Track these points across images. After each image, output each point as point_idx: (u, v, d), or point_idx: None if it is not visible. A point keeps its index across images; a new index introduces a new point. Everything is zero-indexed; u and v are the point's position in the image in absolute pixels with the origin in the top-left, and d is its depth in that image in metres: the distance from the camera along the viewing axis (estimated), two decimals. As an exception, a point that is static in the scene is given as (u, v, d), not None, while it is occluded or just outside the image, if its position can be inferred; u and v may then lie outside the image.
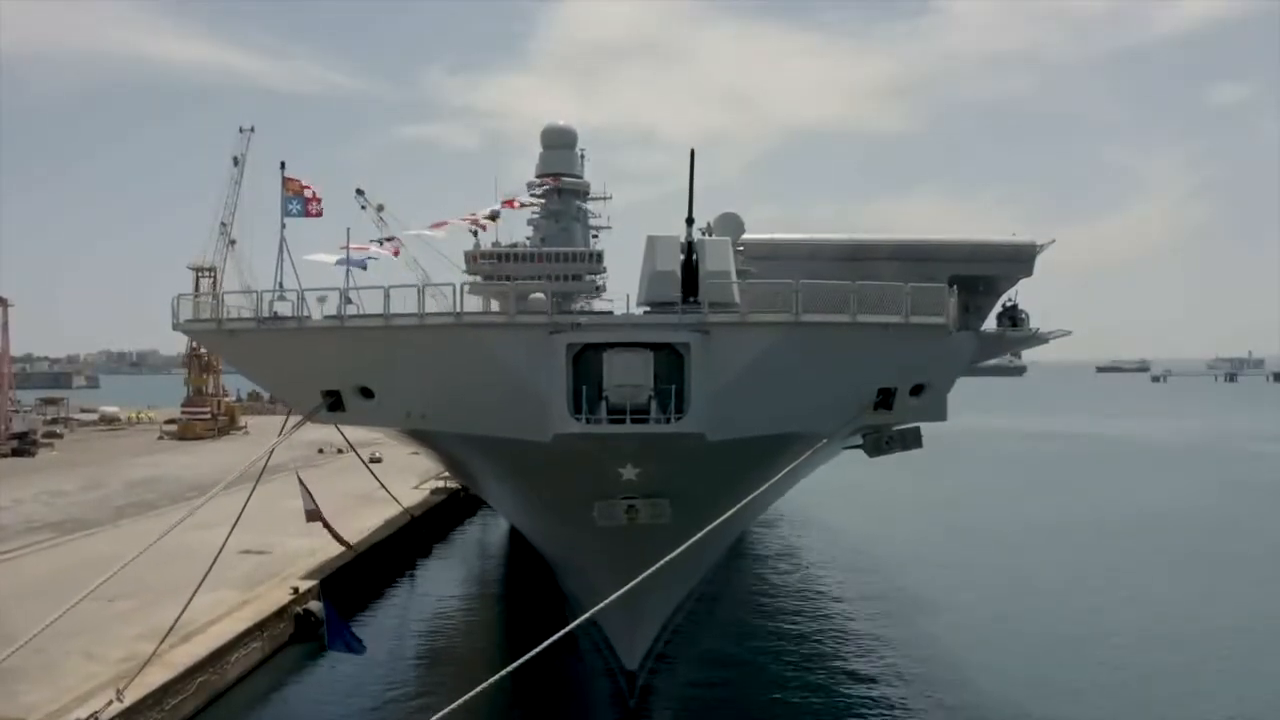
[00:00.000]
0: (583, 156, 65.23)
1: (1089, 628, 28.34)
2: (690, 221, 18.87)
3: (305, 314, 18.89)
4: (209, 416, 78.97)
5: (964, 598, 32.35)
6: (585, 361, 17.43)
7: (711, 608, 29.18)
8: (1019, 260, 23.11)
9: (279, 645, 25.41)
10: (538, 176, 60.16)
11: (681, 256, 18.58)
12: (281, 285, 20.47)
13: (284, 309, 19.16)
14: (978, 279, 23.12)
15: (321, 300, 19.75)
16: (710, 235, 19.76)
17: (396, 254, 22.66)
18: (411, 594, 33.99)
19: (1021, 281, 24.52)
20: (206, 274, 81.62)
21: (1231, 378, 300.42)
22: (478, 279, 57.97)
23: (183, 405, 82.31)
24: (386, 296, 18.15)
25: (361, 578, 31.78)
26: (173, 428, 78.48)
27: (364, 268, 21.39)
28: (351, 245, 21.45)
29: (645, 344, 17.17)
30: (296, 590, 27.15)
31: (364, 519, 38.29)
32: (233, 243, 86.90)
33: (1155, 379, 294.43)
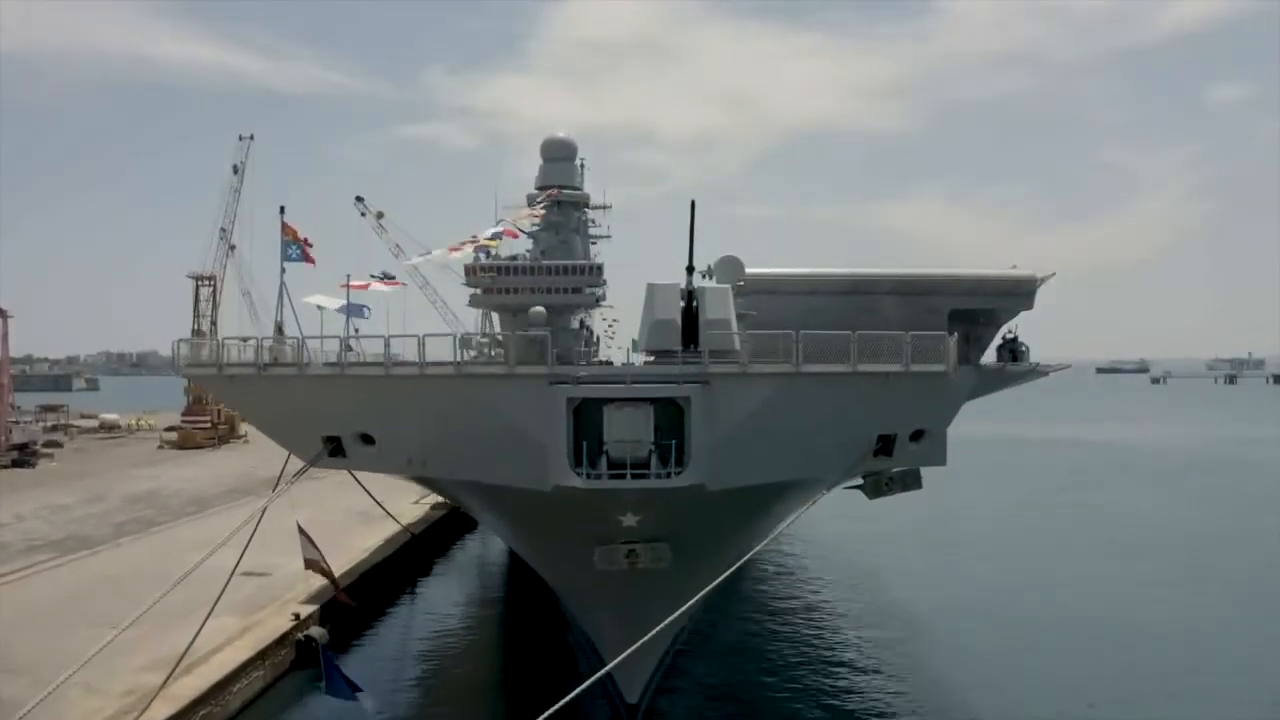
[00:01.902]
0: (582, 166, 65.25)
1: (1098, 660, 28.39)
2: (690, 270, 18.93)
3: (306, 360, 18.91)
4: (209, 425, 79.02)
5: (964, 619, 32.37)
6: (586, 413, 17.47)
7: (711, 631, 29.25)
8: (1019, 294, 23.15)
9: (280, 673, 25.42)
10: (538, 188, 60.29)
11: (682, 304, 18.62)
12: (282, 330, 20.48)
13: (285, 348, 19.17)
14: (978, 312, 23.21)
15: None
16: (710, 278, 19.82)
17: (399, 285, 22.65)
18: (412, 617, 33.97)
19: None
20: (206, 283, 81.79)
21: (1231, 379, 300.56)
22: (477, 291, 58.16)
23: (183, 414, 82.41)
24: (386, 345, 18.18)
25: (362, 602, 31.76)
26: (173, 436, 78.51)
27: (364, 316, 21.40)
28: (352, 283, 21.51)
29: (646, 398, 17.14)
30: (298, 616, 27.14)
31: (364, 538, 38.35)
32: (232, 248, 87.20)
33: (1155, 380, 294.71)
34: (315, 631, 26.99)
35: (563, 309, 58.30)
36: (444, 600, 36.07)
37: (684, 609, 15.29)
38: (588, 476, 17.10)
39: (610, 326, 77.99)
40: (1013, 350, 24.53)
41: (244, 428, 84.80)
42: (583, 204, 63.40)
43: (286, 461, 21.39)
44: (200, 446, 75.43)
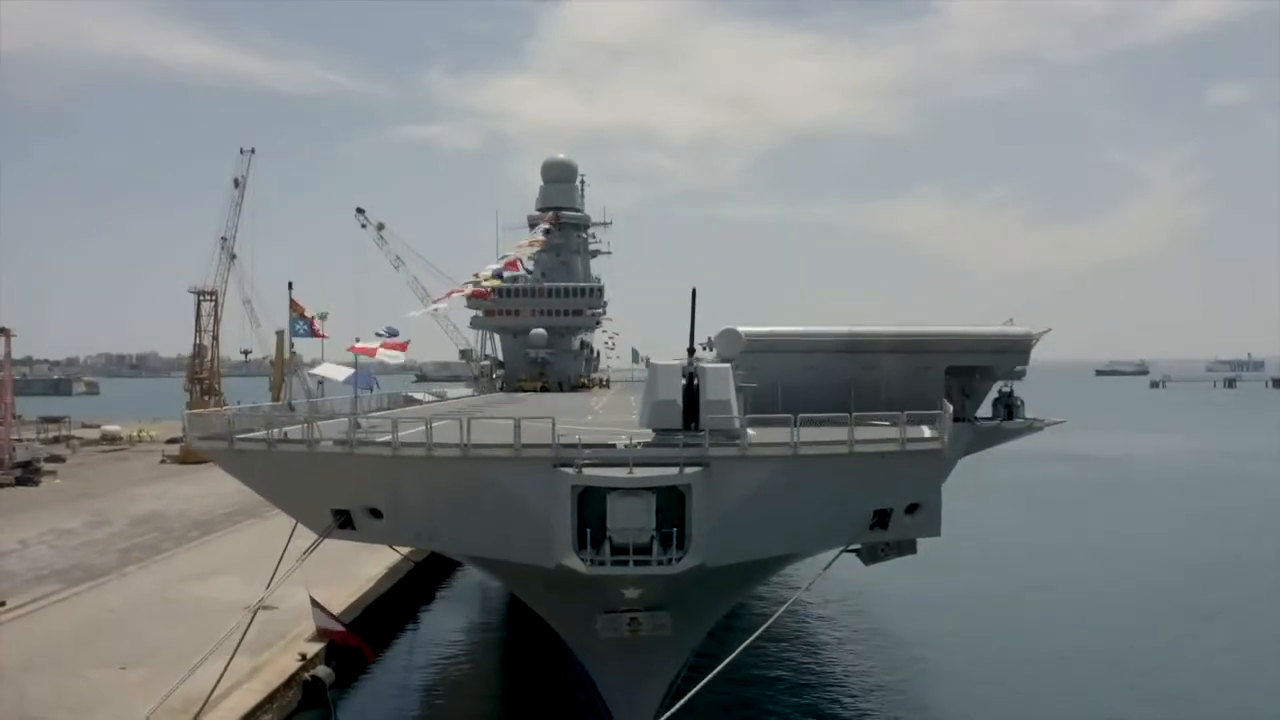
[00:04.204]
0: (583, 183, 66.03)
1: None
2: (691, 351, 19.54)
3: (316, 436, 19.42)
4: (211, 439, 79.24)
5: (967, 642, 32.70)
6: (588, 495, 18.00)
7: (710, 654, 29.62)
8: (1015, 351, 23.75)
9: (287, 715, 25.72)
10: (538, 209, 61.08)
11: (683, 382, 19.17)
12: (291, 405, 20.91)
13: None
14: (974, 368, 23.80)
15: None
16: (711, 350, 20.45)
17: (404, 348, 23.11)
18: (415, 648, 34.38)
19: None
20: (207, 297, 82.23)
21: (1231, 383, 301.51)
22: (479, 313, 58.81)
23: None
24: (395, 425, 18.69)
25: (367, 634, 32.10)
26: (174, 450, 78.75)
27: (370, 390, 21.84)
28: (359, 347, 21.93)
29: (648, 487, 17.67)
30: (304, 656, 27.42)
31: (366, 567, 38.66)
32: (233, 257, 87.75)
33: (1154, 384, 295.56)
34: (322, 671, 27.26)
35: (564, 330, 59.08)
36: (446, 631, 36.49)
37: (696, 690, 15.78)
38: (591, 562, 17.66)
39: (610, 340, 78.47)
40: (1008, 406, 25.09)
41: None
42: (583, 225, 64.19)
43: (293, 532, 21.80)
44: (201, 461, 75.53)
